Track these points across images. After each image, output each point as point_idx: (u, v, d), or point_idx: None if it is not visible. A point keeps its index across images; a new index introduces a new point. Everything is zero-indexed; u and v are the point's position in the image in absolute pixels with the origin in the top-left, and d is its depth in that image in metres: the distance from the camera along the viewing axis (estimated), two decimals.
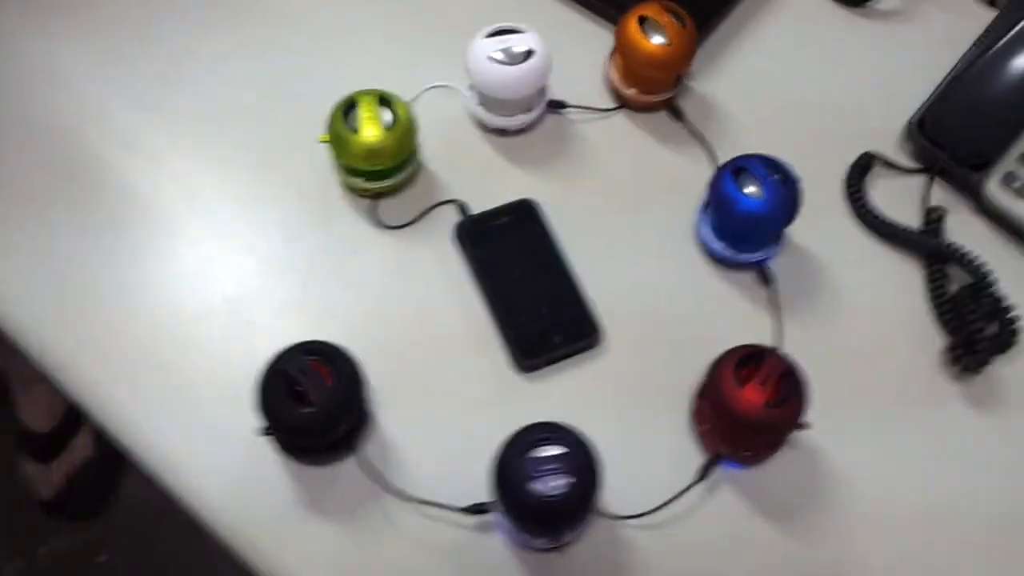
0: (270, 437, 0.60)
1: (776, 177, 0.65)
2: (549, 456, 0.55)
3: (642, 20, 0.71)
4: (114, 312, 0.66)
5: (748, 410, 0.57)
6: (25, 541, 1.34)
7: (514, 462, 0.55)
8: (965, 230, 0.73)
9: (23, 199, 0.70)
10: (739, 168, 0.66)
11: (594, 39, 0.78)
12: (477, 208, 0.71)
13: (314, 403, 0.55)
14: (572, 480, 0.54)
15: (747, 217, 0.65)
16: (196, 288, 0.67)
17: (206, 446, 0.62)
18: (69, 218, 0.69)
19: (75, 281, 0.67)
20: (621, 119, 0.77)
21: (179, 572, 1.27)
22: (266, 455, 0.61)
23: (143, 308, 0.66)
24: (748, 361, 0.59)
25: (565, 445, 0.55)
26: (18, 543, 1.34)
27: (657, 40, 0.71)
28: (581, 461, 0.55)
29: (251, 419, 0.57)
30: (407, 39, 0.80)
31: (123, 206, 0.70)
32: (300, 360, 0.56)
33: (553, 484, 0.54)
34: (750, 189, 0.65)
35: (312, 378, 0.56)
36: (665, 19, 0.71)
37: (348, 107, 0.66)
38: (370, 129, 0.65)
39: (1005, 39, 0.71)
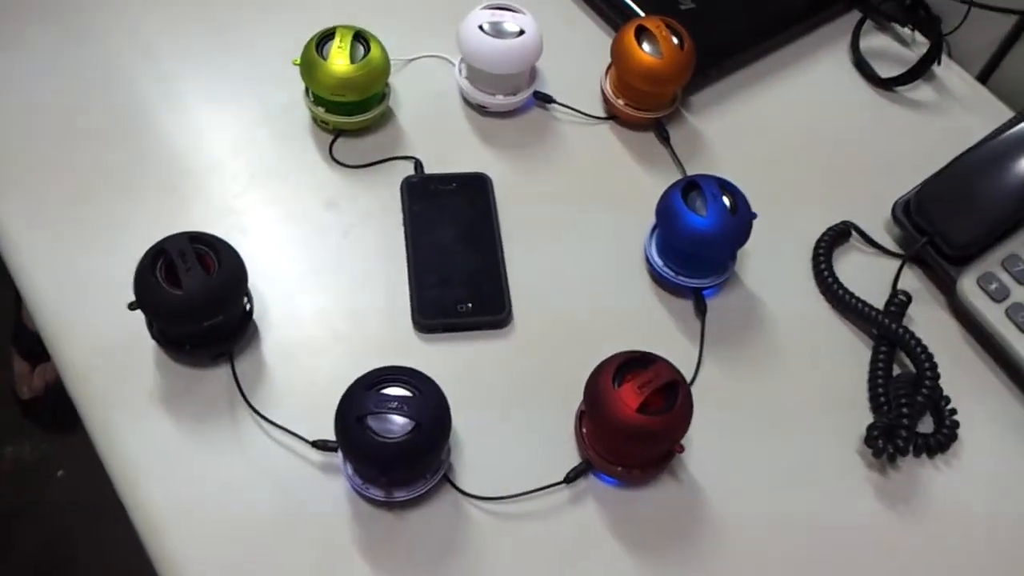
0: (148, 325, 0.60)
1: (726, 201, 0.63)
2: (394, 396, 0.53)
3: (641, 31, 0.71)
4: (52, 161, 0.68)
5: (619, 411, 0.54)
6: None
7: (358, 393, 0.53)
8: (931, 322, 0.69)
9: None
10: (692, 184, 0.64)
11: (604, 48, 0.77)
12: (434, 171, 0.70)
13: (183, 288, 0.55)
14: (411, 424, 0.52)
15: (687, 233, 0.62)
16: (135, 171, 0.68)
17: (90, 311, 0.61)
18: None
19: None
20: (607, 129, 0.76)
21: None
22: (142, 341, 0.60)
23: (86, 178, 0.67)
24: (634, 365, 0.56)
25: (415, 390, 0.53)
26: None
27: (649, 52, 0.70)
28: (426, 408, 0.53)
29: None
30: (424, 6, 0.80)
31: (105, 78, 0.72)
32: (183, 243, 0.56)
33: (391, 424, 0.52)
34: (697, 207, 0.63)
35: (188, 263, 0.55)
36: (663, 34, 0.70)
37: (325, 37, 0.67)
38: (339, 59, 0.66)
39: (1004, 135, 0.68)
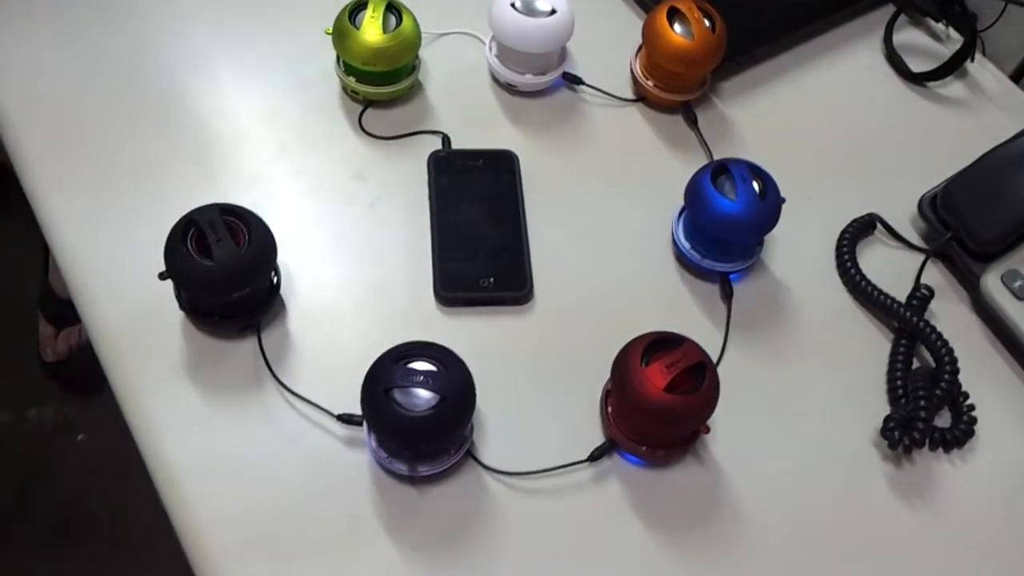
0: (176, 295, 0.60)
1: (756, 186, 0.63)
2: (421, 370, 0.53)
3: (673, 12, 0.70)
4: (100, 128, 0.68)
5: (646, 390, 0.54)
6: (20, 399, 1.38)
7: (384, 367, 0.53)
8: (953, 318, 0.69)
9: None
10: (722, 167, 0.64)
11: (635, 30, 0.77)
12: (461, 147, 0.70)
13: (213, 259, 0.55)
14: (437, 399, 0.52)
15: (715, 216, 0.62)
16: (167, 138, 0.68)
17: (122, 278, 0.62)
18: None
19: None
20: (635, 111, 0.75)
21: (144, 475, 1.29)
22: (171, 309, 0.60)
23: (118, 146, 0.68)
24: (663, 345, 0.56)
25: (442, 365, 0.53)
26: (13, 399, 1.38)
27: (681, 34, 0.69)
28: (452, 384, 0.53)
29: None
30: None
31: (137, 47, 0.72)
32: (214, 215, 0.56)
33: (416, 398, 0.52)
34: (726, 190, 0.63)
35: (219, 234, 0.55)
36: (695, 16, 0.70)
37: (358, 6, 0.67)
38: (371, 29, 0.66)
39: None
